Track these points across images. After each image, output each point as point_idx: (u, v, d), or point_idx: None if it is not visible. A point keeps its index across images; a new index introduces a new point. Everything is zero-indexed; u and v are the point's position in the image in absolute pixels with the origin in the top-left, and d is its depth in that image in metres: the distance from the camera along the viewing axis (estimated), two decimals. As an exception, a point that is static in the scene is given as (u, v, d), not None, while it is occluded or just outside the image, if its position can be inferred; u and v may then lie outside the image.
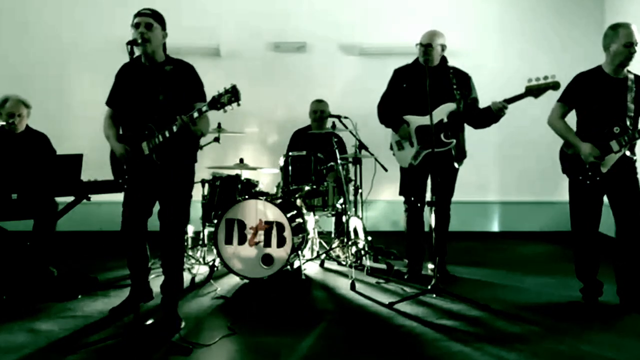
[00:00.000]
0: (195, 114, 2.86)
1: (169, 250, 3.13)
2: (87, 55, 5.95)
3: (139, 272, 3.30)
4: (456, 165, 4.01)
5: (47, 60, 5.98)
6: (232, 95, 2.77)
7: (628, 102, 3.27)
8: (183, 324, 3.06)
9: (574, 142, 3.35)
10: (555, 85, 3.40)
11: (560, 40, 6.07)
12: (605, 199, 3.43)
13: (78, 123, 5.81)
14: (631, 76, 3.34)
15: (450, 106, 3.85)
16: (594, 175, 3.31)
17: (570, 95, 3.42)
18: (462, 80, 3.95)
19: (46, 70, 5.97)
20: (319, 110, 4.97)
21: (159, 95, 2.93)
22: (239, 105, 2.80)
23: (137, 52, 2.93)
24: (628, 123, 3.27)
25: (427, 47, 3.83)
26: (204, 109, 2.84)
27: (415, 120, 3.93)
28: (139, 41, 2.89)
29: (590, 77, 3.38)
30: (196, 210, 4.47)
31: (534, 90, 3.43)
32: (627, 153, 3.32)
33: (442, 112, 3.85)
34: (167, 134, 2.93)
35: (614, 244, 3.42)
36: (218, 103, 2.79)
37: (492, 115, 3.66)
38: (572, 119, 3.48)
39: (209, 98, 2.87)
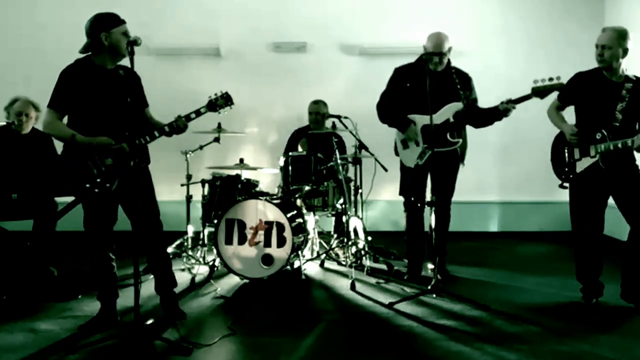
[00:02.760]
0: (193, 115, 3.04)
1: (156, 248, 3.18)
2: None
3: (110, 288, 3.12)
4: (463, 164, 4.03)
5: (37, 61, 5.88)
6: (227, 99, 3.14)
7: (616, 112, 3.27)
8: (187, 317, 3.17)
9: (559, 125, 3.48)
10: (560, 87, 3.43)
11: (563, 41, 6.03)
12: (612, 202, 3.41)
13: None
14: (628, 85, 3.29)
15: (457, 106, 3.85)
16: (570, 173, 3.42)
17: (565, 93, 3.47)
18: (464, 81, 3.95)
19: (34, 71, 5.90)
20: (314, 112, 4.97)
21: (126, 98, 2.86)
22: (231, 108, 3.16)
23: (136, 53, 2.87)
24: (610, 130, 3.25)
25: (441, 55, 3.83)
26: (203, 110, 3.09)
27: (421, 120, 3.91)
28: (139, 42, 2.86)
29: (588, 77, 3.41)
30: (196, 210, 4.49)
31: (540, 91, 3.45)
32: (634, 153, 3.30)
33: (448, 112, 3.85)
34: (156, 134, 3.00)
35: (625, 246, 3.38)
36: (216, 105, 3.11)
37: (497, 114, 3.67)
38: (571, 115, 3.51)
39: (206, 100, 3.12)
